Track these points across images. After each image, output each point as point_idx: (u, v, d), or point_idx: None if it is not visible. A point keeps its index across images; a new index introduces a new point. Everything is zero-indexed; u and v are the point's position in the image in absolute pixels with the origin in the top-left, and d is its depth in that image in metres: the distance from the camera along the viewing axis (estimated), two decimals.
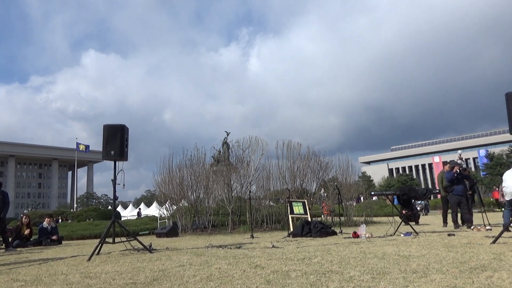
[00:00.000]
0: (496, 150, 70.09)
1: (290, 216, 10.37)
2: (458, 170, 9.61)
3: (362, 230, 7.48)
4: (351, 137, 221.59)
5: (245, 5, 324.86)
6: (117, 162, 6.46)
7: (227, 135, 17.98)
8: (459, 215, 9.85)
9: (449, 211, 10.48)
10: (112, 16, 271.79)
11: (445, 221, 10.34)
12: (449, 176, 9.70)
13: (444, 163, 11.42)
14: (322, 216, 14.85)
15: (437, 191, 10.45)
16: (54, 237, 10.79)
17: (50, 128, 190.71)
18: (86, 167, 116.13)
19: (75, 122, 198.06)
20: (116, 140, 6.37)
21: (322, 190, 14.43)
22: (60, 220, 30.32)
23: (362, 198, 20.51)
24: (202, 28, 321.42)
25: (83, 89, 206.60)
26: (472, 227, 8.84)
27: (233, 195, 12.69)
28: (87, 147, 54.21)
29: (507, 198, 7.65)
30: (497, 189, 22.81)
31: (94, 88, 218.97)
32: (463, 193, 9.72)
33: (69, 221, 27.81)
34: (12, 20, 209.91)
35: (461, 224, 10.15)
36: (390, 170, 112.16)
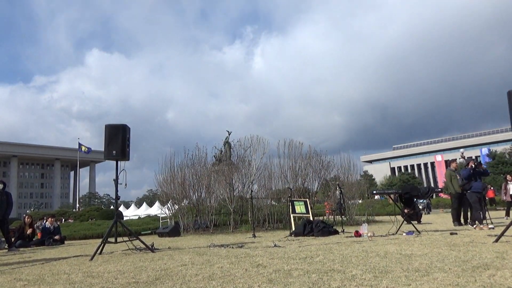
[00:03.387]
0: (499, 148, 69.81)
1: (292, 215, 10.37)
2: (473, 166, 8.96)
3: (364, 229, 7.47)
4: (355, 136, 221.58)
5: (251, 3, 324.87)
6: (119, 162, 6.47)
7: (229, 135, 17.99)
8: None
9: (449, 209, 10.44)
10: (116, 15, 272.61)
11: (456, 220, 9.98)
12: (465, 173, 9.09)
13: (447, 161, 11.25)
14: (329, 216, 14.82)
15: (439, 190, 10.39)
16: (56, 237, 10.83)
17: (53, 128, 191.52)
18: (88, 167, 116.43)
19: (78, 122, 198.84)
20: (117, 140, 6.39)
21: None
22: (63, 220, 30.40)
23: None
24: (207, 26, 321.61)
25: (86, 88, 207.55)
26: (474, 226, 8.81)
27: (234, 194, 12.70)
28: (89, 149, 54.24)
29: None
30: (492, 188, 22.77)
31: (98, 88, 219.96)
32: (482, 190, 9.15)
33: (71, 221, 27.87)
34: (16, 20, 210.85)
35: (463, 223, 10.11)
36: (392, 169, 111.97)
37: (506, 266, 3.41)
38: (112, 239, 6.33)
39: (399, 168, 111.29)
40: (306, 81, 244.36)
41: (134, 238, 6.55)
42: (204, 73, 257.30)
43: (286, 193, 12.18)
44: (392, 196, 9.82)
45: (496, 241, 5.31)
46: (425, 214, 19.65)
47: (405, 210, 10.42)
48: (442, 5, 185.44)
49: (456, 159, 18.15)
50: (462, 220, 10.19)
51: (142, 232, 13.26)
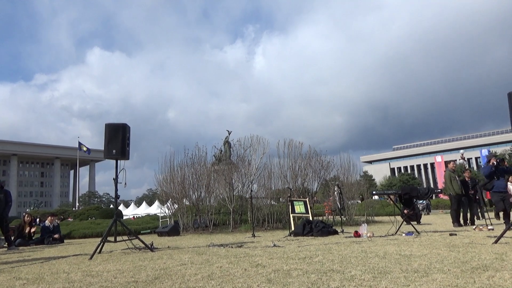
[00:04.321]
0: (499, 149, 69.82)
1: (291, 215, 10.37)
2: (495, 162, 7.96)
3: (363, 229, 7.47)
4: (356, 136, 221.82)
5: (253, 2, 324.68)
6: (118, 161, 6.48)
7: (229, 134, 17.98)
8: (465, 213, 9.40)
9: (450, 210, 10.41)
10: (117, 14, 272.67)
11: (456, 221, 9.94)
12: (486, 171, 8.14)
13: (447, 162, 11.23)
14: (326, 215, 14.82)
15: (439, 190, 10.39)
16: (56, 236, 10.83)
17: (54, 127, 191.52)
18: (88, 166, 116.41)
19: (79, 121, 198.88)
20: (117, 139, 6.39)
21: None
22: (62, 218, 30.31)
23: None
24: (208, 25, 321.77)
25: (87, 87, 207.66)
26: (474, 227, 8.82)
27: (234, 194, 12.69)
28: (88, 149, 54.30)
29: None
30: None
31: (99, 86, 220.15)
32: (505, 189, 8.44)
33: (70, 219, 27.85)
34: (19, 18, 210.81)
35: (463, 224, 10.12)
36: (392, 170, 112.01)
37: (505, 267, 3.41)
38: (112, 238, 6.33)
39: (399, 168, 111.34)
40: (307, 81, 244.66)
41: (134, 237, 6.55)
42: (205, 72, 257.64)
43: (286, 193, 12.18)
44: (391, 196, 9.82)
45: (496, 242, 5.31)
46: (424, 214, 19.65)
47: (405, 211, 10.43)
48: (443, 6, 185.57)
49: (455, 160, 18.16)
50: (461, 221, 10.19)
51: (141, 232, 13.26)
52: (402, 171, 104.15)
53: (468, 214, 10.68)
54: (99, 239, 6.75)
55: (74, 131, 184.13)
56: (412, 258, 4.16)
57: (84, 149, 52.74)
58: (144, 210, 45.08)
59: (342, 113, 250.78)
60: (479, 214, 12.46)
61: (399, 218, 9.44)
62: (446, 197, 24.79)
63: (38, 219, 20.14)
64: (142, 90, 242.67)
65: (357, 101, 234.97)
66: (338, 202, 11.62)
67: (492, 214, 12.14)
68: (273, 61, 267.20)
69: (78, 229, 14.08)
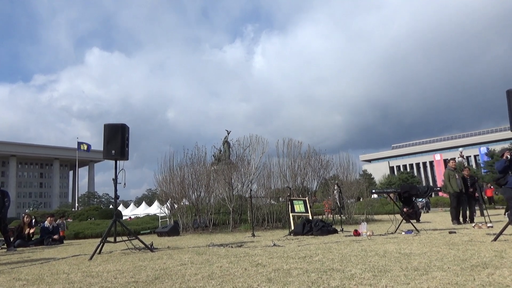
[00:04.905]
0: (498, 147, 69.87)
1: (291, 215, 10.37)
2: (508, 156, 7.50)
3: (363, 228, 7.48)
4: (355, 135, 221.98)
5: (252, 1, 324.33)
6: (118, 161, 6.47)
7: (228, 134, 17.97)
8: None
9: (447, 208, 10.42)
10: (117, 14, 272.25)
11: (455, 218, 9.93)
12: (500, 165, 7.61)
13: (446, 160, 11.26)
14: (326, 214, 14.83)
15: (438, 188, 10.41)
16: (55, 237, 10.83)
17: (53, 128, 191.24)
18: (87, 167, 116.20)
19: (78, 121, 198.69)
20: (116, 139, 6.38)
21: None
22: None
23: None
24: (208, 25, 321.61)
25: (86, 87, 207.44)
26: (473, 225, 8.83)
27: (234, 193, 12.69)
28: (88, 146, 53.88)
29: None
30: (492, 187, 22.78)
31: (98, 87, 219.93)
32: None
33: (70, 220, 27.82)
34: (18, 18, 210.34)
35: (462, 222, 10.13)
36: (391, 168, 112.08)
37: (504, 264, 3.41)
38: (111, 239, 6.32)
39: (398, 167, 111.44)
40: (307, 80, 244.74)
41: (133, 238, 6.55)
42: (205, 72, 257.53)
43: (285, 192, 12.17)
44: (391, 195, 9.83)
45: (495, 239, 5.32)
46: (424, 213, 19.69)
47: (404, 209, 10.45)
48: (443, 5, 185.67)
49: (455, 158, 18.20)
50: (461, 219, 10.21)
51: (141, 232, 13.25)
52: (401, 169, 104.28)
53: (468, 212, 10.69)
54: (98, 240, 6.75)
55: (74, 131, 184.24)
56: (412, 256, 4.17)
57: (84, 148, 52.43)
58: (143, 210, 45.07)
59: (342, 112, 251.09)
60: (478, 211, 12.49)
61: (398, 216, 9.46)
62: (445, 195, 24.88)
63: (34, 220, 20.13)
64: (142, 90, 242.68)
65: (357, 100, 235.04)
66: (337, 201, 11.62)
67: (491, 212, 12.16)
68: (272, 61, 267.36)
69: (79, 230, 14.08)
